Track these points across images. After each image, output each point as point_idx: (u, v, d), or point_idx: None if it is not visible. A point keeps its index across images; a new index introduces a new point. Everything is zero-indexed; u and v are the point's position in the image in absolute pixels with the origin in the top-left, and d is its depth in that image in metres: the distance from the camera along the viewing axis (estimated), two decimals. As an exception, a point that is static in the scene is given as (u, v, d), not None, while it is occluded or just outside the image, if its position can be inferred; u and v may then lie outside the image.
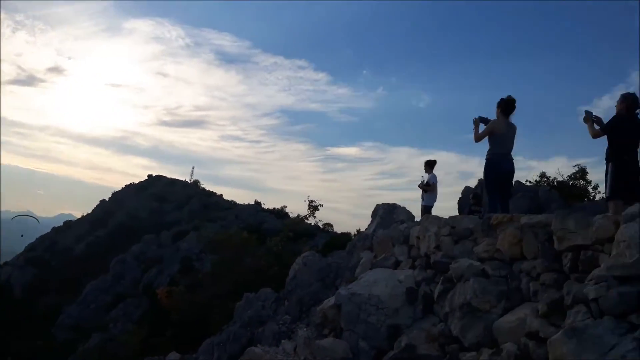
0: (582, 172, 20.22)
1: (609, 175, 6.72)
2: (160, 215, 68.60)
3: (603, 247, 4.66)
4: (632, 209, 4.47)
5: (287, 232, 17.88)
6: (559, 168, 39.35)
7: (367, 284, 7.11)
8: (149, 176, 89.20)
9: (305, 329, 7.81)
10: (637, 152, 6.67)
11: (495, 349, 4.92)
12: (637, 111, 6.69)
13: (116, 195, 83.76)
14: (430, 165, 11.91)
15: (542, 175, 21.51)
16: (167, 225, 60.39)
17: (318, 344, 6.65)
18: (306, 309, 9.52)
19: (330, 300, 7.34)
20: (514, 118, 7.81)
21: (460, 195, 20.36)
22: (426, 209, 11.52)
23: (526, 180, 20.77)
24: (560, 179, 20.82)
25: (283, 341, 7.61)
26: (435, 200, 11.72)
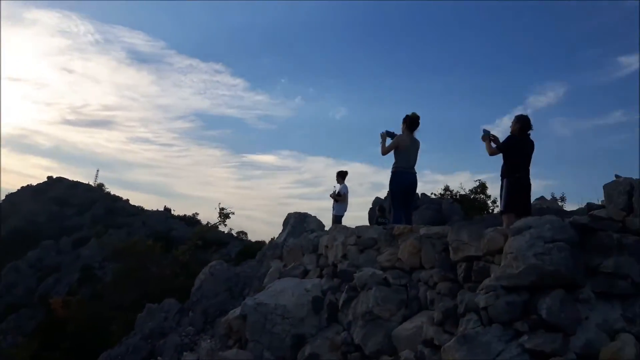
0: (482, 187, 21.57)
1: (503, 191, 7.12)
2: (60, 220, 64.29)
3: (494, 258, 4.94)
4: (519, 223, 4.79)
5: (195, 240, 17.35)
6: (461, 182, 41.91)
7: (274, 293, 7.05)
8: (49, 178, 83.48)
9: (209, 341, 7.59)
10: (529, 170, 7.12)
11: (394, 357, 5.05)
12: (529, 132, 7.13)
13: (11, 197, 77.40)
14: (342, 175, 12.13)
15: (446, 188, 22.68)
16: (67, 230, 56.74)
17: (221, 356, 6.48)
18: (211, 320, 9.28)
19: (236, 311, 7.19)
20: (418, 134, 8.16)
21: (371, 206, 20.93)
22: (337, 219, 11.70)
23: (431, 193, 21.78)
24: (462, 192, 22.08)
25: (185, 353, 7.37)
26: (345, 210, 11.94)
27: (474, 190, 22.07)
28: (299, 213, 11.83)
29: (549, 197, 18.92)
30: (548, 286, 4.21)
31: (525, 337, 4.04)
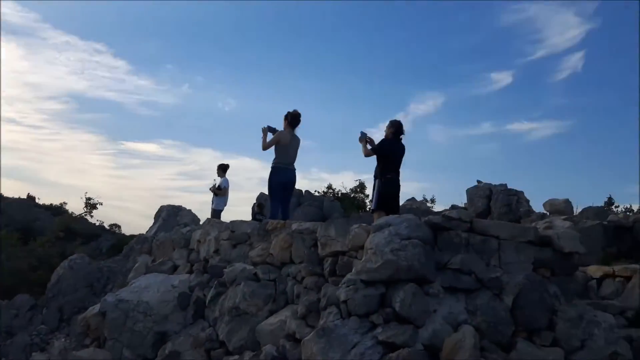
0: (361, 186, 22.48)
1: (375, 190, 7.43)
2: None
3: (357, 254, 5.10)
4: (380, 220, 5.00)
5: (57, 232, 15.89)
6: (342, 181, 43.51)
7: (138, 289, 6.69)
8: None
9: (63, 340, 7.01)
10: (399, 172, 7.48)
11: (256, 352, 5.03)
12: (402, 136, 7.49)
13: None
14: (223, 169, 11.88)
15: (329, 187, 23.34)
16: None
17: (75, 355, 6.02)
18: (68, 317, 8.58)
19: (95, 308, 6.72)
20: (298, 131, 8.22)
21: (255, 201, 20.85)
22: (216, 213, 11.44)
23: (315, 191, 22.23)
24: (343, 191, 22.86)
25: (34, 354, 6.75)
26: (225, 205, 11.72)
27: (354, 190, 22.98)
28: (172, 206, 11.33)
29: (421, 199, 20.25)
30: (402, 280, 4.43)
31: (379, 330, 4.23)
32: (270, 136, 8.02)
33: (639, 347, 5.05)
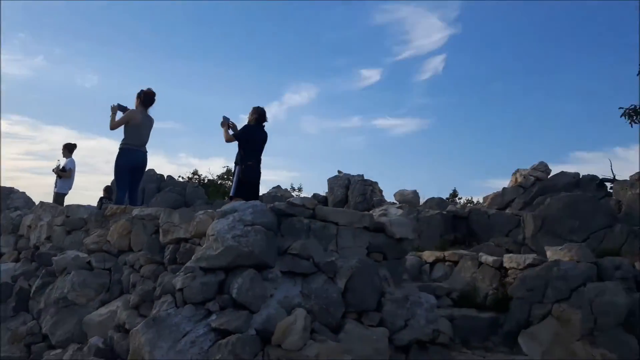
0: (228, 173, 22.23)
1: (235, 176, 7.31)
2: None
3: (201, 240, 4.95)
4: (226, 207, 4.90)
5: None
6: (209, 167, 43.13)
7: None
8: None
9: None
10: (260, 159, 7.43)
11: (81, 345, 4.66)
12: (264, 123, 7.45)
13: None
14: (69, 149, 10.89)
15: (195, 172, 22.74)
16: None
17: None
18: None
19: None
20: (153, 111, 7.79)
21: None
22: (59, 197, 10.46)
23: (179, 176, 21.50)
24: (210, 177, 22.42)
25: None
26: (70, 188, 10.76)
27: (221, 176, 22.64)
28: (3, 187, 10.10)
29: (290, 187, 20.53)
30: (243, 267, 4.38)
31: (214, 317, 4.14)
32: (120, 115, 7.51)
33: (460, 324, 5.62)
